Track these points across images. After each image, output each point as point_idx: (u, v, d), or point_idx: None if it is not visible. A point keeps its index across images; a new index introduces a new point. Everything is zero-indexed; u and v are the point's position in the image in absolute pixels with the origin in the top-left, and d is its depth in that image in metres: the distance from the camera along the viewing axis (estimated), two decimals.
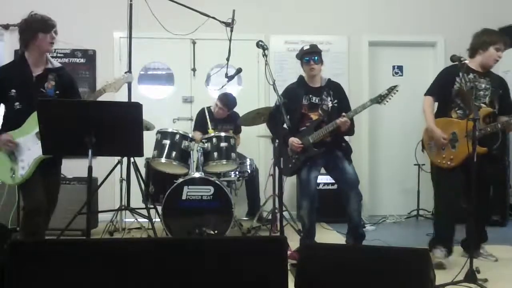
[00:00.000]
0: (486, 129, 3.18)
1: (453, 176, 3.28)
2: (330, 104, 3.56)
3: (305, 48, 3.68)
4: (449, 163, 3.28)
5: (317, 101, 3.57)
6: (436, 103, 3.50)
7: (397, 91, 3.36)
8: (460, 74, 3.24)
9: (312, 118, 3.57)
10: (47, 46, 2.97)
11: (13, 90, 2.91)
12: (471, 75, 3.34)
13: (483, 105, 3.28)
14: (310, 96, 3.58)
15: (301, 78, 3.74)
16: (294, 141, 3.50)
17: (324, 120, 3.51)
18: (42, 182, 2.96)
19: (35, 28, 2.92)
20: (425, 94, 3.50)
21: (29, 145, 2.92)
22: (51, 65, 3.07)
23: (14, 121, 2.94)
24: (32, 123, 2.86)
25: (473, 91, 3.29)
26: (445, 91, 3.37)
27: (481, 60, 3.37)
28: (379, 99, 3.38)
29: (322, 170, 3.70)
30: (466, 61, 3.15)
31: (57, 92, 3.03)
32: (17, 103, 2.92)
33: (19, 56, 3.07)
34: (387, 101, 3.39)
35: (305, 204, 3.55)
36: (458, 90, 3.31)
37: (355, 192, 3.49)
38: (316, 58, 3.56)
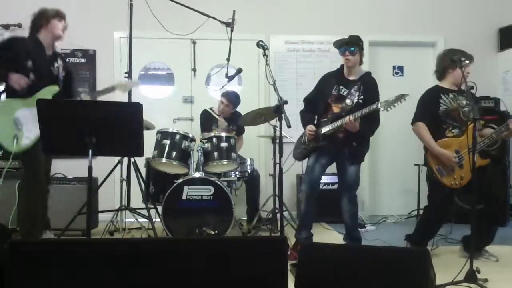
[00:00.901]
0: (484, 141, 3.26)
1: (451, 193, 3.38)
2: (355, 100, 3.41)
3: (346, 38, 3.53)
4: (461, 182, 3.28)
5: (345, 94, 3.46)
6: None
7: (405, 99, 3.14)
8: (443, 96, 3.36)
9: (333, 110, 3.49)
10: (59, 32, 3.24)
11: (30, 62, 3.11)
12: (450, 95, 3.42)
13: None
14: (341, 87, 3.48)
15: (341, 67, 3.62)
16: (308, 128, 3.52)
17: (342, 114, 3.41)
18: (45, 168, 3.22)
19: (49, 15, 3.20)
20: (414, 121, 3.45)
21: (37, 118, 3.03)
22: (57, 50, 3.38)
23: (26, 91, 3.08)
24: (43, 96, 3.05)
25: (458, 109, 3.37)
26: (433, 114, 3.39)
27: (452, 80, 3.45)
28: (386, 105, 3.18)
29: (332, 170, 3.69)
30: (466, 61, 3.16)
31: (63, 74, 3.33)
32: (31, 74, 3.10)
33: (32, 36, 3.27)
34: (391, 108, 3.17)
35: (304, 188, 3.56)
36: (445, 110, 3.38)
37: (349, 194, 3.50)
38: (353, 49, 3.42)
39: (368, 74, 3.55)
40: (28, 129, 3.01)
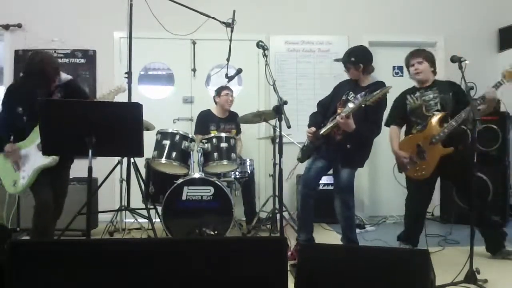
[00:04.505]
0: (444, 131, 3.30)
1: (421, 187, 3.51)
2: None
3: None
4: (423, 173, 3.43)
5: (352, 98, 3.48)
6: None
7: (388, 92, 3.17)
8: (408, 96, 3.56)
9: (338, 113, 3.47)
10: (56, 82, 3.14)
11: (20, 108, 3.08)
12: (417, 93, 3.54)
13: (435, 113, 3.39)
14: (350, 93, 3.50)
15: None
16: (308, 130, 3.54)
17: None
18: (49, 183, 3.12)
19: (51, 73, 3.06)
20: (385, 125, 3.63)
21: (31, 156, 3.07)
22: (58, 82, 3.17)
23: (22, 132, 3.11)
24: (35, 135, 3.02)
25: (422, 105, 3.47)
26: (401, 115, 3.59)
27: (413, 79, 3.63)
28: (370, 98, 3.17)
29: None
30: (466, 62, 3.15)
31: None
32: (24, 118, 3.08)
33: (33, 74, 3.14)
34: (373, 101, 3.17)
35: (299, 188, 3.64)
36: (410, 109, 3.54)
37: (339, 197, 3.50)
38: (345, 67, 3.54)
39: (377, 82, 3.51)
40: (23, 169, 3.06)
